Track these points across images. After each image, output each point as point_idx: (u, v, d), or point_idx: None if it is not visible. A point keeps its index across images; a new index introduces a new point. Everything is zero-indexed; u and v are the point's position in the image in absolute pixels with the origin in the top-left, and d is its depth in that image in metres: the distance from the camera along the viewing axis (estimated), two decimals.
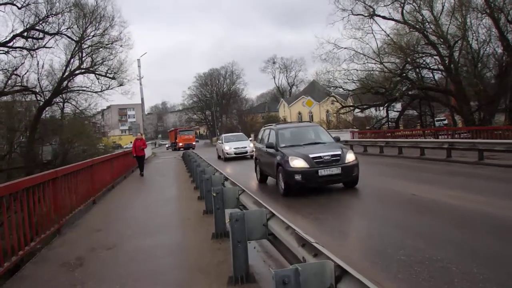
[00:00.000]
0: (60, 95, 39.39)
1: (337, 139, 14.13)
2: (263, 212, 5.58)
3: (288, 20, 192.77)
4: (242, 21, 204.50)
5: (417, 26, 37.08)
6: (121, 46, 40.80)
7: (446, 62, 35.87)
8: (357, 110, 47.55)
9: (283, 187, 12.58)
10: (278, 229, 5.02)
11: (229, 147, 30.48)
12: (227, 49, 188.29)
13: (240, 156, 29.67)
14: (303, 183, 12.10)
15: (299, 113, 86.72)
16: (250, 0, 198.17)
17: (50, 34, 36.34)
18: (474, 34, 35.05)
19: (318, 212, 10.05)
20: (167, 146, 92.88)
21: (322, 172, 11.95)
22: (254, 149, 24.76)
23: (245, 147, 30.42)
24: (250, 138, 36.48)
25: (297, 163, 12.19)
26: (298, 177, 12.04)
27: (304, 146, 13.32)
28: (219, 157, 32.42)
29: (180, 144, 67.40)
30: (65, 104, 41.16)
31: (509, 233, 7.14)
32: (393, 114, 47.05)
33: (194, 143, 69.82)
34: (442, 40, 35.80)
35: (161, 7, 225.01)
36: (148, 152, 43.93)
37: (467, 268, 5.62)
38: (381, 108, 46.81)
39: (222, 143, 31.67)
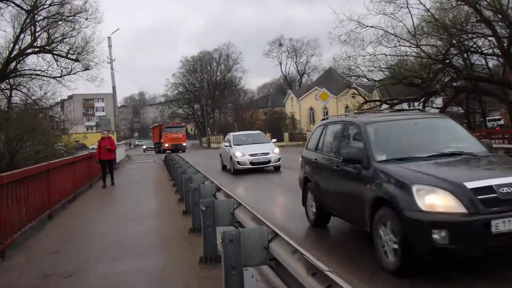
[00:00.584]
0: (6, 80, 39.20)
1: (489, 146, 9.50)
2: (264, 231, 5.57)
3: None
4: None
5: None
6: (86, 19, 40.29)
7: (505, 45, 35.29)
8: (384, 105, 47.35)
9: (396, 257, 7.29)
10: (283, 253, 5.02)
11: (242, 153, 25.23)
12: (222, 28, 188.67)
13: (259, 168, 24.98)
14: (453, 251, 6.93)
15: (311, 108, 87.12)
16: None
17: None
18: None
19: None
20: (145, 147, 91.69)
21: (499, 225, 6.69)
22: (279, 157, 23.16)
23: (267, 154, 25.31)
24: (273, 140, 31.18)
25: (438, 201, 7.17)
26: (440, 236, 6.84)
27: (436, 161, 8.42)
28: (224, 167, 28.32)
29: (166, 145, 65.79)
30: (13, 91, 41.15)
31: None
32: (432, 111, 46.96)
33: (184, 144, 68.51)
34: (500, 16, 35.25)
35: None
36: (120, 154, 43.95)
37: None
38: (417, 103, 46.65)
39: (231, 146, 26.48)
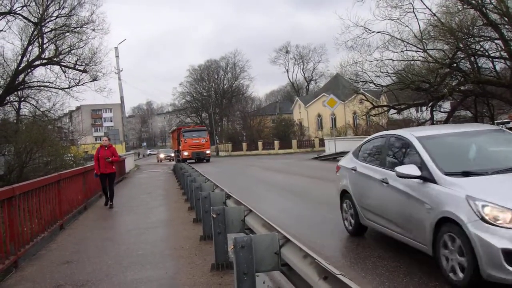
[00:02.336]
0: (15, 93, 39.25)
1: None
2: (275, 236, 5.61)
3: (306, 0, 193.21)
4: (252, 2, 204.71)
5: (473, 2, 36.78)
6: (93, 30, 40.54)
7: None
8: (392, 110, 47.34)
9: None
10: (294, 258, 5.05)
11: None
12: (229, 36, 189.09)
13: None
14: None
15: (319, 115, 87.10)
16: None
17: (0, 14, 36.26)
18: None
19: None
20: (163, 156, 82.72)
21: None
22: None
23: None
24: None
25: None
26: None
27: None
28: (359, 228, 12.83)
29: (186, 153, 52.55)
30: (21, 103, 41.06)
31: None
32: (439, 116, 47.00)
33: (208, 151, 55.42)
34: (506, 19, 35.38)
35: None
36: (129, 164, 44.02)
37: None
38: (424, 108, 46.64)
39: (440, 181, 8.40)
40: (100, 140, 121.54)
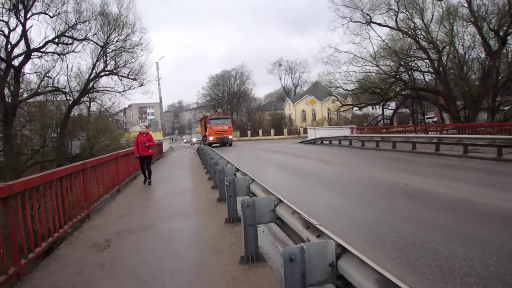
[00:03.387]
0: (87, 95, 39.70)
1: None
2: (271, 199, 5.63)
3: (294, 27, 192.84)
4: (254, 28, 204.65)
5: (410, 33, 37.37)
6: (141, 50, 41.16)
7: (436, 65, 36.28)
8: (355, 108, 47.49)
9: None
10: (285, 213, 5.05)
11: None
12: (239, 53, 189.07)
13: None
14: None
15: (303, 111, 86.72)
16: (263, 10, 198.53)
17: (78, 40, 36.82)
18: (460, 40, 35.72)
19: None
20: (195, 140, 73.36)
21: None
22: None
23: None
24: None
25: None
26: None
27: None
28: None
29: (211, 138, 44.53)
30: (91, 103, 41.62)
31: (489, 218, 7.18)
32: (388, 112, 47.33)
33: (231, 136, 46.32)
34: (432, 45, 36.15)
35: (182, 15, 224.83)
36: (165, 147, 44.05)
37: (453, 248, 5.69)
38: (377, 106, 46.81)
39: None
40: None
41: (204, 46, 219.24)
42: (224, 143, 43.70)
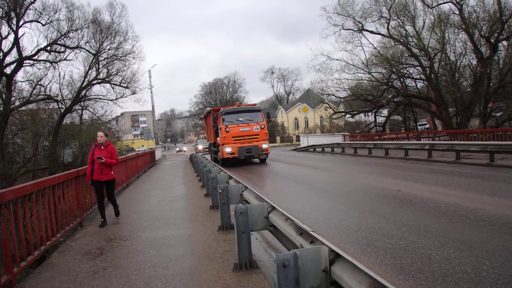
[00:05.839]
0: (79, 103, 39.50)
1: None
2: (265, 206, 5.64)
3: (287, 35, 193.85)
4: (247, 36, 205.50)
5: (401, 40, 37.58)
6: (133, 58, 41.15)
7: (427, 72, 36.48)
8: (348, 115, 47.67)
9: None
10: (278, 220, 5.07)
11: None
12: (232, 61, 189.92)
13: None
14: None
15: (296, 118, 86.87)
16: (255, 18, 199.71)
17: (71, 48, 36.63)
18: (451, 48, 36.11)
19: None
20: (178, 149, 68.88)
21: None
22: None
23: None
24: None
25: None
26: None
27: None
28: None
29: (228, 149, 23.94)
30: (83, 111, 41.36)
31: (482, 223, 7.21)
32: (380, 119, 47.45)
33: (265, 145, 24.48)
34: (423, 52, 36.36)
35: (173, 24, 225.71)
36: (158, 154, 43.93)
37: (445, 254, 5.71)
38: (370, 113, 47.08)
39: None
40: (137, 137, 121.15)
41: (196, 54, 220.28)
42: (253, 156, 24.76)
